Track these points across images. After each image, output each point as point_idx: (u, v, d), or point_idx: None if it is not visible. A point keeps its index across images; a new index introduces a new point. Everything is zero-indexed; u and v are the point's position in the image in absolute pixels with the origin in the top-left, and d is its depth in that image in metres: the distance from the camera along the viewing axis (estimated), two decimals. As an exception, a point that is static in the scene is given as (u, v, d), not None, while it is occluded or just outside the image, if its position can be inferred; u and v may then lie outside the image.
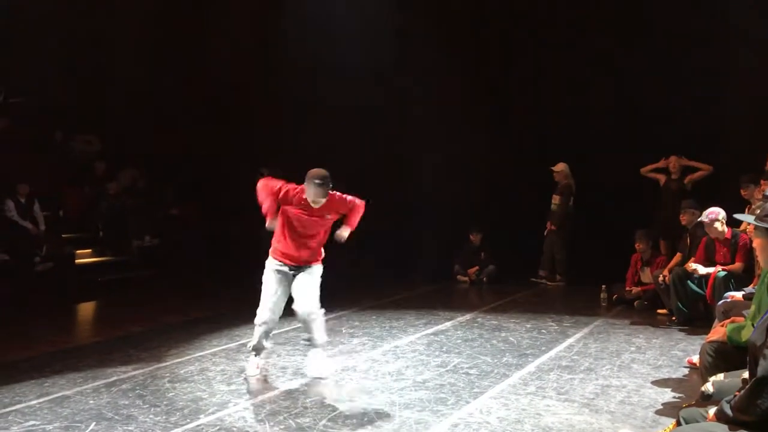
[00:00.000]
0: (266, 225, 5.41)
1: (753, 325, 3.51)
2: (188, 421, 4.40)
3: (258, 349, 5.49)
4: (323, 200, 5.15)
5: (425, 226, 11.25)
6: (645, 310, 7.98)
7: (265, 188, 5.34)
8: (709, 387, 3.31)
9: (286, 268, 5.36)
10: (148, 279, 10.72)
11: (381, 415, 4.46)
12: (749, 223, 4.51)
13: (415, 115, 11.44)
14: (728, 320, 4.38)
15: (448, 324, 7.39)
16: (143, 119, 12.67)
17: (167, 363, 5.87)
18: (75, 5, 12.50)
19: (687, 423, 2.94)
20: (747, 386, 2.77)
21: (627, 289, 8.42)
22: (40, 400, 4.83)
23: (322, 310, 5.38)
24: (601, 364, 5.66)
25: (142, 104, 12.70)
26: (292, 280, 5.37)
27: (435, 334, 6.93)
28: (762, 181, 6.94)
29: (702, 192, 8.38)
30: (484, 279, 10.38)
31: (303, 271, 5.36)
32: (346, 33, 11.09)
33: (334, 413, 4.53)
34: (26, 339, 7.02)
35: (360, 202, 5.44)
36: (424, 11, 11.26)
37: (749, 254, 6.55)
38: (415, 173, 11.50)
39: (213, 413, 4.54)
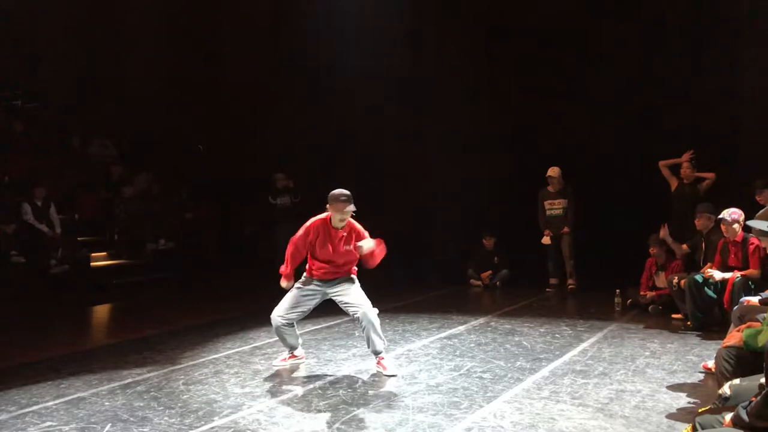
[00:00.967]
0: (282, 284, 5.73)
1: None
2: (202, 423, 4.42)
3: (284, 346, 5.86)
4: (347, 218, 5.46)
5: (439, 229, 11.26)
6: (659, 315, 7.93)
7: (295, 245, 5.64)
8: (726, 390, 3.30)
9: (315, 284, 5.66)
10: (162, 282, 10.79)
11: (394, 419, 4.46)
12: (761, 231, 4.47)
13: (429, 118, 11.44)
14: (744, 325, 4.34)
15: (462, 328, 7.38)
16: (158, 124, 12.77)
17: (182, 365, 5.90)
18: (91, 12, 12.63)
19: (703, 428, 2.93)
20: (763, 392, 2.75)
21: (641, 293, 8.37)
22: (57, 401, 4.88)
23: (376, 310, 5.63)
24: (615, 369, 5.63)
25: (158, 109, 12.80)
26: (320, 296, 5.66)
27: (448, 337, 6.92)
28: None
29: (716, 197, 8.30)
30: (498, 283, 10.36)
31: (337, 283, 5.60)
32: (360, 35, 11.12)
33: (348, 416, 4.53)
34: (42, 341, 7.09)
35: (381, 247, 5.62)
36: (438, 13, 11.26)
37: (763, 260, 6.52)
38: (428, 177, 11.49)
39: (227, 415, 4.56)
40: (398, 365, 5.81)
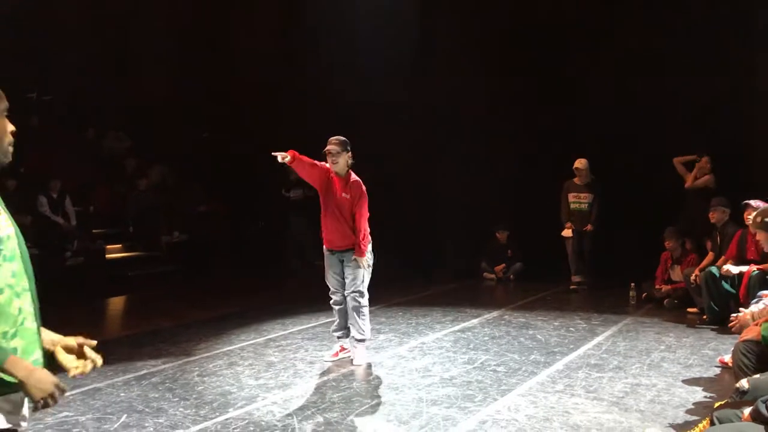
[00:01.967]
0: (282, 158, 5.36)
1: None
2: (217, 414, 4.44)
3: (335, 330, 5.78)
4: (339, 164, 5.53)
5: (452, 223, 11.22)
6: (675, 309, 7.87)
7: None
8: (744, 383, 3.27)
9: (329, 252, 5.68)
10: (176, 274, 10.83)
11: (408, 412, 4.46)
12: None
13: (441, 110, 11.39)
14: (762, 319, 4.30)
15: (475, 321, 7.36)
16: (173, 117, 12.82)
17: (196, 357, 5.93)
18: (105, 6, 12.68)
19: (721, 422, 2.90)
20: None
21: (656, 287, 8.31)
22: (73, 392, 4.90)
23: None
24: (630, 363, 5.60)
25: (172, 102, 12.85)
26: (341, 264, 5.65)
27: (462, 331, 6.91)
28: None
29: (732, 191, 8.21)
30: (511, 277, 10.32)
31: (345, 257, 5.58)
32: (371, 31, 11.08)
33: (362, 409, 4.54)
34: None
35: (365, 229, 5.55)
36: (449, 9, 11.20)
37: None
38: (441, 170, 11.46)
39: (242, 407, 4.58)
40: (412, 358, 5.81)
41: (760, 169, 8.62)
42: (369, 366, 5.59)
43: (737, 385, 3.33)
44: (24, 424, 2.00)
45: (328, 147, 5.57)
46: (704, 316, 7.18)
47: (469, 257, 10.83)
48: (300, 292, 9.28)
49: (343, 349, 5.80)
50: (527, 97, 10.71)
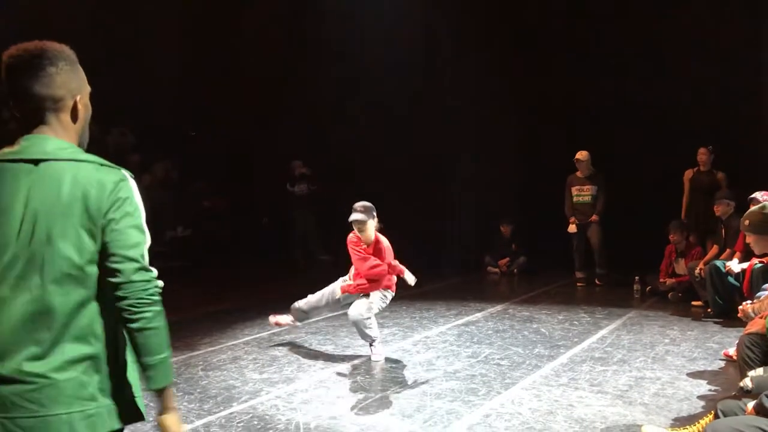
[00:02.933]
0: None
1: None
2: (221, 408, 4.45)
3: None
4: (367, 233, 5.48)
5: (456, 217, 11.22)
6: (679, 302, 7.86)
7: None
8: (747, 382, 3.26)
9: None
10: (180, 269, 10.85)
11: (412, 405, 4.46)
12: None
13: (447, 107, 11.37)
14: (767, 312, 4.28)
15: (479, 315, 7.36)
16: (177, 113, 12.81)
17: (200, 351, 5.94)
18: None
19: (725, 416, 2.90)
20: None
21: (661, 280, 8.29)
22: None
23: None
24: (634, 356, 5.59)
25: (176, 98, 12.85)
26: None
27: (465, 324, 6.91)
28: None
29: (737, 185, 8.18)
30: (515, 270, 10.32)
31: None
32: (379, 29, 11.05)
33: (366, 402, 4.54)
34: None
35: (380, 269, 5.54)
36: (457, 6, 11.15)
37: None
38: (446, 165, 11.44)
39: (246, 401, 4.59)
40: (416, 352, 5.81)
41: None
42: (373, 360, 5.59)
43: (741, 384, 3.32)
44: None
45: (353, 217, 5.45)
46: (709, 310, 7.17)
47: (473, 251, 10.82)
48: (304, 287, 9.25)
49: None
50: (530, 93, 10.70)
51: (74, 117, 1.92)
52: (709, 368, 5.26)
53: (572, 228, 9.43)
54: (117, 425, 1.82)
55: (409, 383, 4.97)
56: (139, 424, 2.03)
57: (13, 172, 1.76)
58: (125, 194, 1.82)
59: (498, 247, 10.55)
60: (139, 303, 1.82)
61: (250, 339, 6.40)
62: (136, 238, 1.85)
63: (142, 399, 1.89)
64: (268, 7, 12.59)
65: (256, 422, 4.19)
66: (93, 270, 1.77)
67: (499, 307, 7.77)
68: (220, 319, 7.32)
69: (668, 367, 5.28)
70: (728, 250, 7.16)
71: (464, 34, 11.07)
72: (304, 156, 11.73)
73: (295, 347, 6.06)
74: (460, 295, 8.60)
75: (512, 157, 10.92)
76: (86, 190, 1.76)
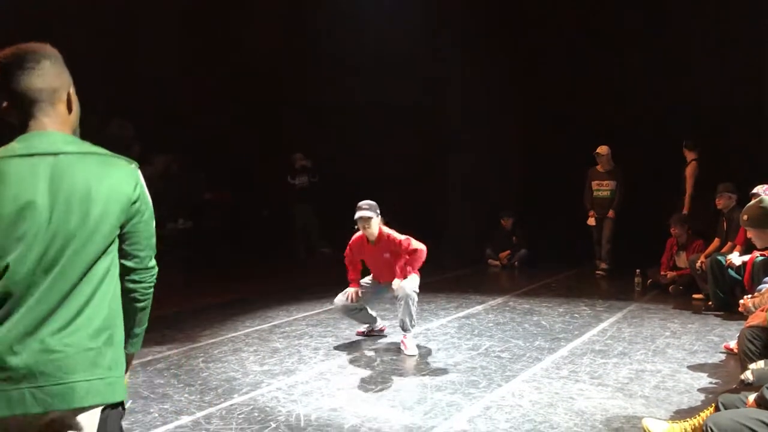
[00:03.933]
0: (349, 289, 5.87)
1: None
2: (222, 400, 4.46)
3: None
4: (371, 229, 5.53)
5: (457, 210, 11.20)
6: (680, 295, 7.86)
7: (347, 261, 5.90)
8: (748, 375, 3.26)
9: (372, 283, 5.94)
10: (181, 261, 10.85)
11: (413, 398, 4.46)
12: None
13: (448, 101, 11.34)
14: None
15: (480, 307, 7.36)
16: (177, 105, 12.79)
17: (201, 343, 5.95)
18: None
19: (726, 408, 2.89)
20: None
21: (662, 273, 8.30)
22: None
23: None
24: (635, 349, 5.59)
25: (176, 90, 12.82)
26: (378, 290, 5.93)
27: (466, 317, 6.91)
28: None
29: (738, 178, 8.16)
30: (516, 263, 10.32)
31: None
32: (379, 25, 11.01)
33: (366, 394, 4.54)
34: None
35: (420, 248, 5.59)
36: (457, 2, 11.12)
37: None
38: (448, 158, 11.42)
39: (246, 393, 4.59)
40: (417, 344, 5.81)
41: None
42: (374, 352, 5.59)
43: (741, 377, 3.32)
44: None
45: (359, 214, 5.54)
46: (709, 303, 7.16)
47: (474, 244, 10.82)
48: (305, 279, 9.31)
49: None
50: (533, 88, 10.67)
51: (69, 108, 2.02)
52: (710, 361, 5.26)
53: (591, 221, 9.60)
54: (125, 397, 1.95)
55: (409, 376, 4.98)
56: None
57: (29, 167, 1.83)
58: (143, 185, 2.00)
59: (499, 240, 10.55)
60: (149, 288, 2.05)
61: (251, 331, 6.40)
62: (153, 228, 2.04)
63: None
64: (269, 3, 12.57)
65: (256, 414, 4.20)
66: (113, 254, 1.92)
67: (499, 300, 7.77)
68: (221, 311, 7.34)
69: (669, 359, 5.28)
70: (729, 243, 7.16)
71: (465, 27, 11.03)
72: (304, 148, 11.72)
73: (295, 339, 6.07)
74: (460, 287, 8.61)
75: (514, 149, 10.91)
76: (112, 183, 1.89)
